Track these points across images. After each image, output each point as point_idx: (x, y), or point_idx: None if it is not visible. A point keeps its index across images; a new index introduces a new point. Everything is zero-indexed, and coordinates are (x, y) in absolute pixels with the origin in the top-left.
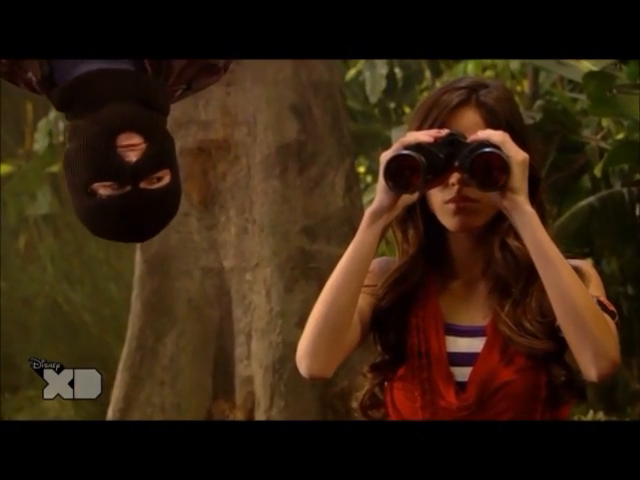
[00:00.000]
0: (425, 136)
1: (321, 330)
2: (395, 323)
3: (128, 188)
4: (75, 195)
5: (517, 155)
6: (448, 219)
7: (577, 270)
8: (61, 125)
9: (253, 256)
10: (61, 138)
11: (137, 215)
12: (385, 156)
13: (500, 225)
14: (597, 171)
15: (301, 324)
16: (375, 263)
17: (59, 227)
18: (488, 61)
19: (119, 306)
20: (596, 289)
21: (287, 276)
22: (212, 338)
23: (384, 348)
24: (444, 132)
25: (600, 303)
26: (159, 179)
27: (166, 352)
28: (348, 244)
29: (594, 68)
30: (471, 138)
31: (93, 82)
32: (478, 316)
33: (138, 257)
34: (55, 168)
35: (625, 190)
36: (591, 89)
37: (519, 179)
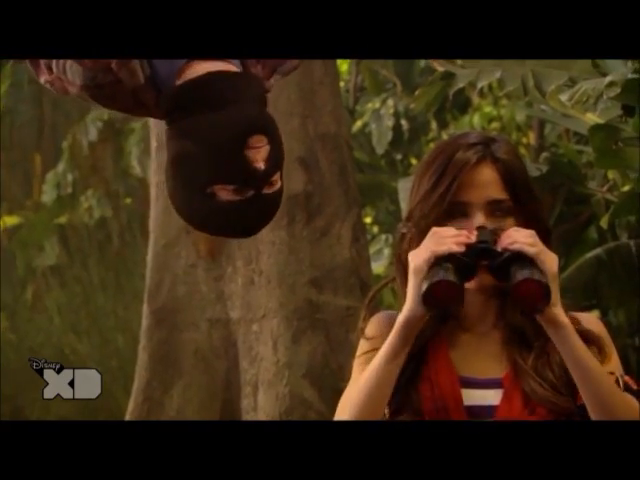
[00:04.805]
0: (457, 245)
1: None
2: (408, 380)
3: (251, 193)
4: (186, 194)
5: (552, 266)
6: None
7: (590, 336)
8: (69, 177)
9: (260, 307)
10: (69, 190)
11: (253, 219)
12: (418, 267)
13: None
14: (603, 223)
15: (308, 375)
16: (380, 322)
17: (66, 278)
18: (494, 113)
19: (126, 357)
20: (614, 361)
21: (294, 327)
22: (219, 389)
23: (398, 406)
24: (473, 237)
25: (625, 384)
26: (274, 183)
27: (172, 404)
28: (355, 295)
29: (600, 121)
30: (503, 245)
31: (214, 83)
32: (493, 368)
33: (145, 309)
34: (63, 219)
35: (632, 242)
36: (597, 142)
37: (555, 292)
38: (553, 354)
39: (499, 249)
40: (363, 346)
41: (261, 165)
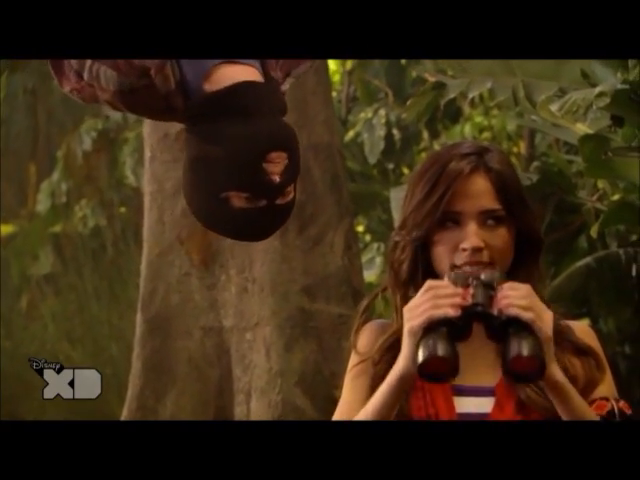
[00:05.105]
0: (452, 309)
1: None
2: None
3: (264, 203)
4: (201, 196)
5: (547, 329)
6: None
7: (585, 348)
8: (64, 187)
9: (253, 315)
10: (64, 199)
11: (264, 227)
12: (414, 330)
13: None
14: (593, 232)
15: (300, 383)
16: (371, 333)
17: (61, 287)
18: (485, 122)
19: (120, 365)
20: (608, 381)
21: (287, 335)
22: (212, 397)
23: None
24: (469, 298)
25: (620, 410)
26: (288, 194)
27: (166, 412)
28: (347, 303)
29: (589, 131)
30: (500, 305)
31: (241, 94)
32: (485, 376)
33: (139, 317)
34: (57, 228)
35: (621, 251)
36: (587, 151)
37: (550, 354)
38: None
39: (495, 311)
40: (354, 359)
41: (277, 178)
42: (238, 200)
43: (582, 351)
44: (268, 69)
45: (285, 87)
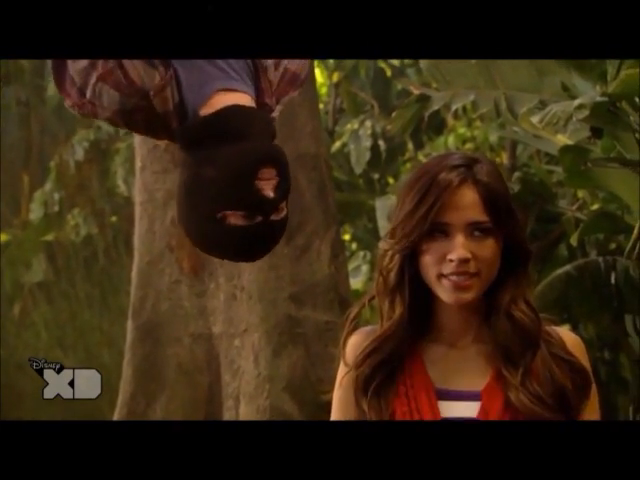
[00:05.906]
0: None
1: None
2: (378, 391)
3: (259, 219)
4: (197, 220)
5: None
6: (444, 293)
7: (576, 367)
8: (56, 196)
9: (241, 322)
10: (56, 208)
11: (260, 243)
12: None
13: (501, 297)
14: (573, 240)
15: (288, 388)
16: (357, 345)
17: (53, 294)
18: (468, 134)
19: (111, 372)
20: (593, 405)
21: (275, 341)
22: (201, 403)
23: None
24: None
25: None
26: (281, 210)
27: (156, 417)
28: (334, 310)
29: (569, 142)
30: None
31: (232, 118)
32: (472, 381)
33: (129, 324)
34: (50, 237)
35: (601, 259)
36: (567, 162)
37: None
38: (543, 371)
39: None
40: (342, 370)
41: (270, 193)
42: (235, 218)
43: (573, 369)
44: (263, 97)
45: (275, 114)
